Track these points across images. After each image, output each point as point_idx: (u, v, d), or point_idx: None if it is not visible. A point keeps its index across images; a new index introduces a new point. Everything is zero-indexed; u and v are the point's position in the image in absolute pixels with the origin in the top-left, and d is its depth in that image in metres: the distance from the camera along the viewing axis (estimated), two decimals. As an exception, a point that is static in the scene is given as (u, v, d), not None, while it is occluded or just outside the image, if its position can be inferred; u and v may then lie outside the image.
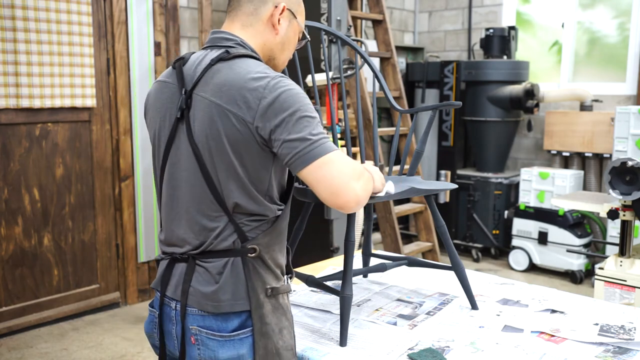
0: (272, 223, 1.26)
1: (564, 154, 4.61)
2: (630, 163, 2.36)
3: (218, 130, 1.18)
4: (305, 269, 2.05)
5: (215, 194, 1.21)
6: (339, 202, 1.15)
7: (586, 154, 4.50)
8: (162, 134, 1.29)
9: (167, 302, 1.30)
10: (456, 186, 1.72)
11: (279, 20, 1.32)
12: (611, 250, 4.02)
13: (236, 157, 1.19)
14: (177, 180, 1.27)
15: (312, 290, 1.87)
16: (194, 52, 1.32)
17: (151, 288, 3.70)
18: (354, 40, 3.62)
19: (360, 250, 2.00)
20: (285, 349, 1.27)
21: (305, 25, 1.68)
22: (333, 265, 2.17)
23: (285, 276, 1.33)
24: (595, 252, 4.45)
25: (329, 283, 1.72)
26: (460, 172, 4.90)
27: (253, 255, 1.23)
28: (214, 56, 1.25)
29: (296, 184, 1.59)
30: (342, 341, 1.46)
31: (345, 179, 1.15)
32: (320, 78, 3.01)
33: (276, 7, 1.32)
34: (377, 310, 1.70)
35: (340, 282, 1.64)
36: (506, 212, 4.64)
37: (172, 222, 1.30)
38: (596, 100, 4.51)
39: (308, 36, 1.46)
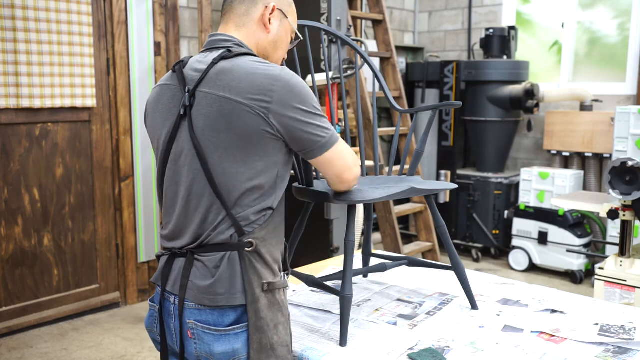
0: (269, 217, 1.29)
1: (564, 154, 4.61)
2: (630, 163, 2.36)
3: (228, 122, 1.21)
4: (305, 269, 2.05)
5: (214, 187, 1.23)
6: (345, 177, 1.35)
7: (586, 154, 4.50)
8: (164, 133, 1.32)
9: (166, 296, 1.33)
10: (456, 186, 1.72)
11: (269, 20, 1.38)
12: (611, 250, 4.02)
13: (246, 147, 1.22)
14: (178, 176, 1.29)
15: (312, 290, 1.87)
16: (192, 56, 1.36)
17: (152, 284, 3.72)
18: (354, 40, 3.62)
19: (360, 250, 2.00)
20: (281, 345, 1.29)
21: (305, 25, 1.69)
22: (333, 265, 2.17)
23: (282, 272, 1.35)
24: (595, 252, 4.44)
25: (329, 283, 1.72)
26: (460, 172, 4.90)
27: (250, 249, 1.25)
28: (215, 56, 1.28)
29: (295, 184, 1.59)
30: (342, 341, 1.46)
31: (349, 161, 1.34)
32: (320, 78, 3.01)
33: (266, 7, 1.37)
34: (377, 310, 1.70)
35: (340, 282, 1.64)
36: (506, 212, 4.63)
37: (173, 217, 1.32)
38: (596, 100, 4.51)
39: (300, 36, 1.52)
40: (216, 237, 1.25)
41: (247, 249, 1.25)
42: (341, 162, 1.32)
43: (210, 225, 1.25)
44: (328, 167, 1.32)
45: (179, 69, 1.31)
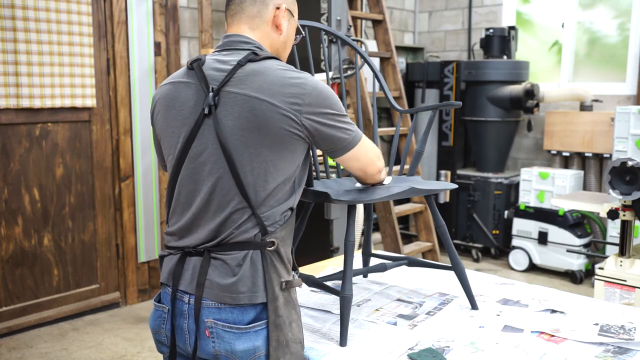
0: (289, 217, 1.31)
1: (564, 154, 4.61)
2: (630, 163, 2.36)
3: (261, 123, 1.22)
4: (305, 269, 2.05)
5: (241, 186, 1.24)
6: (369, 171, 1.44)
7: (586, 154, 4.50)
8: (182, 130, 1.31)
9: (179, 296, 1.32)
10: (456, 186, 1.72)
11: (281, 21, 1.39)
12: (611, 250, 4.02)
13: (277, 148, 1.24)
14: (199, 174, 1.29)
15: (312, 290, 1.87)
16: (206, 55, 1.35)
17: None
18: (354, 40, 3.62)
19: (360, 250, 2.00)
20: (295, 342, 1.31)
21: (305, 25, 1.70)
22: (333, 265, 2.17)
23: (293, 272, 1.36)
24: (595, 252, 4.45)
25: (329, 283, 1.72)
26: (460, 172, 4.90)
27: (271, 248, 1.27)
28: (239, 57, 1.29)
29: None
30: (342, 341, 1.46)
31: (372, 156, 1.42)
32: (321, 78, 3.01)
33: (278, 8, 1.38)
34: (377, 310, 1.70)
35: (340, 282, 1.64)
36: (506, 212, 4.63)
37: (186, 215, 1.31)
38: (596, 100, 4.51)
39: (302, 32, 1.54)
40: (239, 236, 1.26)
41: (268, 248, 1.26)
42: (364, 157, 1.39)
43: (234, 223, 1.26)
44: (352, 163, 1.39)
45: (197, 67, 1.30)
